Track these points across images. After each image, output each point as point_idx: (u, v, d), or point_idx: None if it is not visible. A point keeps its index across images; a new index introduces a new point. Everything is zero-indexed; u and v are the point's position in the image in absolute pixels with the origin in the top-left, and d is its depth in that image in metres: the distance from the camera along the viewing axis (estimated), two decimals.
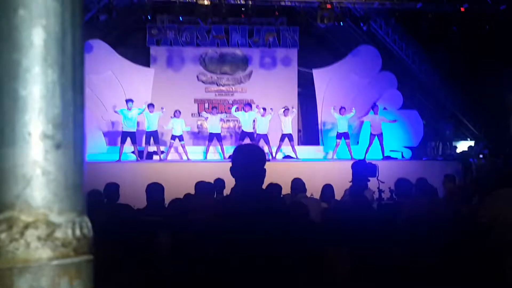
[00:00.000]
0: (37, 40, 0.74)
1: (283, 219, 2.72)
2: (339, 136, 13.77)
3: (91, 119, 14.62)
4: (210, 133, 13.72)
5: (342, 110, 13.89)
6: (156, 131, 13.27)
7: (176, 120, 13.55)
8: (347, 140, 13.74)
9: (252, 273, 2.47)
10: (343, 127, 13.76)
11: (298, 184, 6.57)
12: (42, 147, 0.74)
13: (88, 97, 14.73)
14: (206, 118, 14.05)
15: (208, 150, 13.79)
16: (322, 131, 15.93)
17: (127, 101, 13.23)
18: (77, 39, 0.77)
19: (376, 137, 13.35)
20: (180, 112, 13.71)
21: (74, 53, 0.76)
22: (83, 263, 0.76)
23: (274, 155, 13.35)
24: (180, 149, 13.64)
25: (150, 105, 13.20)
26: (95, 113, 14.88)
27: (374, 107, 14.00)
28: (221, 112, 14.99)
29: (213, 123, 13.64)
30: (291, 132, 13.63)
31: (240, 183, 2.73)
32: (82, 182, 0.77)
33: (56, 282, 0.72)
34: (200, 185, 6.71)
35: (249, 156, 2.79)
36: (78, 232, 0.75)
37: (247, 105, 13.97)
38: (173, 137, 13.43)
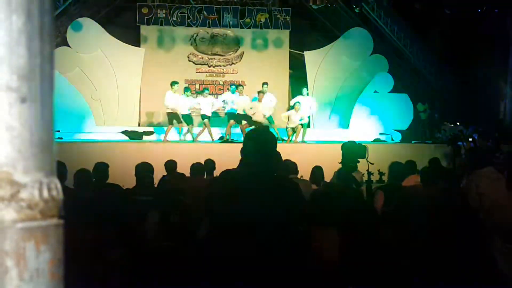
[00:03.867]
0: None
1: (286, 195, 2.70)
2: None
3: (80, 98, 14.48)
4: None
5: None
6: None
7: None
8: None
9: (246, 249, 2.45)
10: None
11: (289, 166, 6.55)
12: (6, 100, 0.67)
13: (77, 76, 14.62)
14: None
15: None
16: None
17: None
18: None
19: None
20: None
21: None
22: (51, 227, 0.69)
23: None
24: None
25: None
26: (85, 92, 14.72)
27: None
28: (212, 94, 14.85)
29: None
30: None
31: (246, 160, 2.72)
32: (51, 140, 0.70)
33: (21, 246, 0.66)
34: (193, 166, 6.70)
35: (259, 139, 2.78)
36: (45, 193, 0.68)
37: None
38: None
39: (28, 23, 0.67)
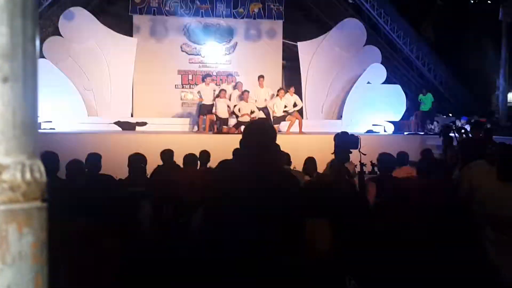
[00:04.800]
0: None
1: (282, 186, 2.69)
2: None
3: (73, 89, 14.38)
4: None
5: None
6: None
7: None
8: None
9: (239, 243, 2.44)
10: None
11: (282, 157, 6.54)
12: None
13: (69, 66, 14.51)
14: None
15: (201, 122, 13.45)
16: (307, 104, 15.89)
17: None
18: None
19: None
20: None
21: None
22: (34, 210, 0.69)
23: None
24: None
25: None
26: (77, 82, 14.62)
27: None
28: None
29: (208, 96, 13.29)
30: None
31: (244, 151, 2.71)
32: (34, 121, 0.69)
33: (3, 229, 0.65)
34: (186, 157, 6.68)
35: (258, 130, 2.77)
36: (28, 175, 0.67)
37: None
38: None
39: (10, 1, 0.65)
